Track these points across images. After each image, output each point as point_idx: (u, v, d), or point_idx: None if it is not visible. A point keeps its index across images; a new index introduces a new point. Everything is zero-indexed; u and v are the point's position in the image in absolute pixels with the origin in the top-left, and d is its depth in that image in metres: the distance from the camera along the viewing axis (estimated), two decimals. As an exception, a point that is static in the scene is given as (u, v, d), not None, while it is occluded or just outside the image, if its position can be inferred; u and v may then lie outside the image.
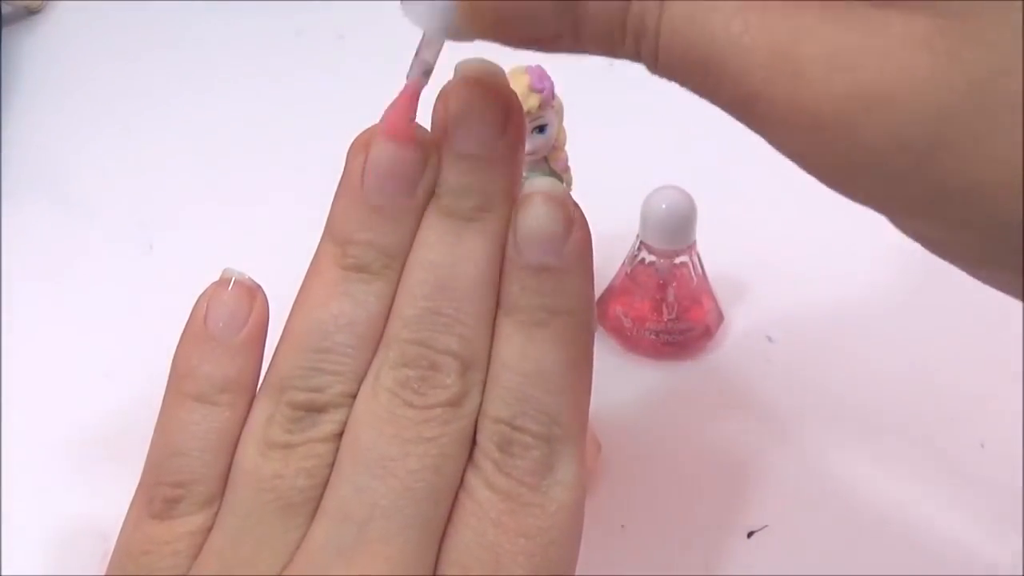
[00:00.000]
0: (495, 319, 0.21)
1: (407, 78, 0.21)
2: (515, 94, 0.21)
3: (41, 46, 0.58)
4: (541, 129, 0.32)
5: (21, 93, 0.55)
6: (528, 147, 0.33)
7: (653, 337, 0.38)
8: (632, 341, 0.39)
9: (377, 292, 0.21)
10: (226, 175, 0.49)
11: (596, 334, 0.39)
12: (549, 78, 0.32)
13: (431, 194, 0.21)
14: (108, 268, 0.45)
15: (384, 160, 0.21)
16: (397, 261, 0.21)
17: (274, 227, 0.45)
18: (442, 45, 0.21)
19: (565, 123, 0.34)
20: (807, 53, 0.16)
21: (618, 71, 0.52)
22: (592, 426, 0.35)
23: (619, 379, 0.38)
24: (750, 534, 0.34)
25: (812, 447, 0.36)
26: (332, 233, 0.22)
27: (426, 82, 0.21)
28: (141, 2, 0.60)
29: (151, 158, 0.51)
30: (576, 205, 0.21)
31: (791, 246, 0.43)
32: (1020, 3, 0.15)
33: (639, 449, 0.36)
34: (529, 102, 0.31)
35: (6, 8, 0.59)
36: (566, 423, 0.21)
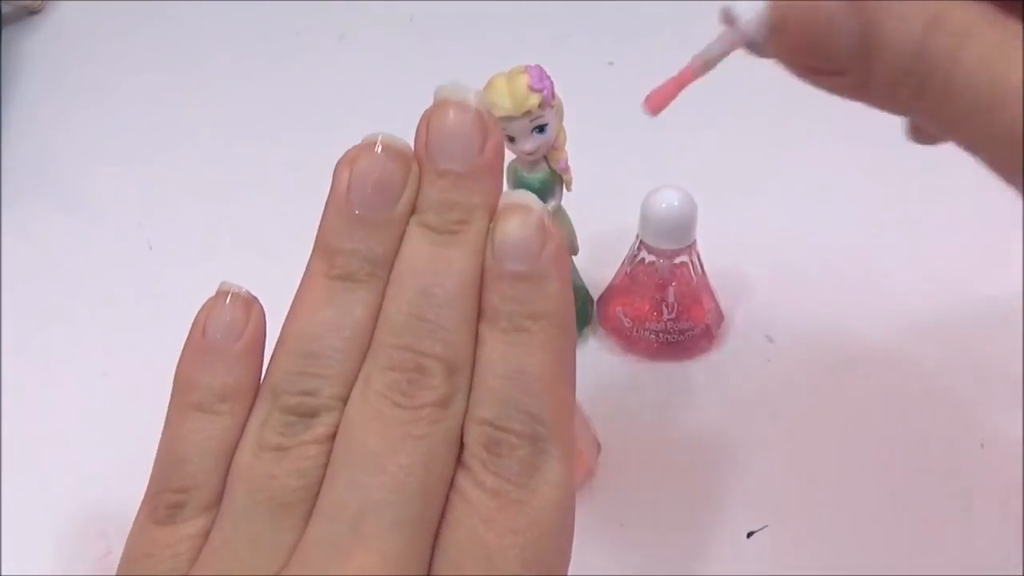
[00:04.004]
0: (478, 326, 0.22)
1: (691, 62, 0.22)
2: (491, 114, 0.23)
3: (41, 46, 0.58)
4: (541, 129, 0.32)
5: (21, 93, 0.55)
6: (528, 147, 0.33)
7: (653, 337, 0.38)
8: (632, 341, 0.39)
9: (363, 299, 0.22)
10: (226, 175, 0.49)
11: (596, 334, 0.40)
12: (549, 78, 0.32)
13: (412, 207, 0.23)
14: (108, 268, 0.45)
15: (368, 173, 0.22)
16: (382, 269, 0.22)
17: (274, 226, 0.45)
18: (731, 52, 0.22)
19: (565, 123, 0.34)
20: None
21: (618, 71, 0.52)
22: (592, 426, 0.35)
23: (619, 379, 0.38)
24: (750, 534, 0.34)
25: (812, 447, 0.36)
26: (320, 245, 0.23)
27: (701, 75, 0.22)
28: (141, 2, 0.60)
29: (151, 158, 0.51)
30: (549, 215, 0.23)
31: (791, 246, 0.43)
32: None
33: (639, 449, 0.36)
34: (529, 102, 0.31)
35: (6, 8, 0.59)
36: (550, 423, 0.21)
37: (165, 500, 0.22)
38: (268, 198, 0.48)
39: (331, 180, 0.22)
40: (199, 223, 0.47)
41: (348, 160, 0.22)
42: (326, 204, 0.23)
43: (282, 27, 0.58)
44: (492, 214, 0.22)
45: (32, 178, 0.50)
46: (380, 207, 0.22)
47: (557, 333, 0.22)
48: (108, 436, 0.38)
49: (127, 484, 0.23)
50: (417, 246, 0.22)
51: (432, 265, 0.22)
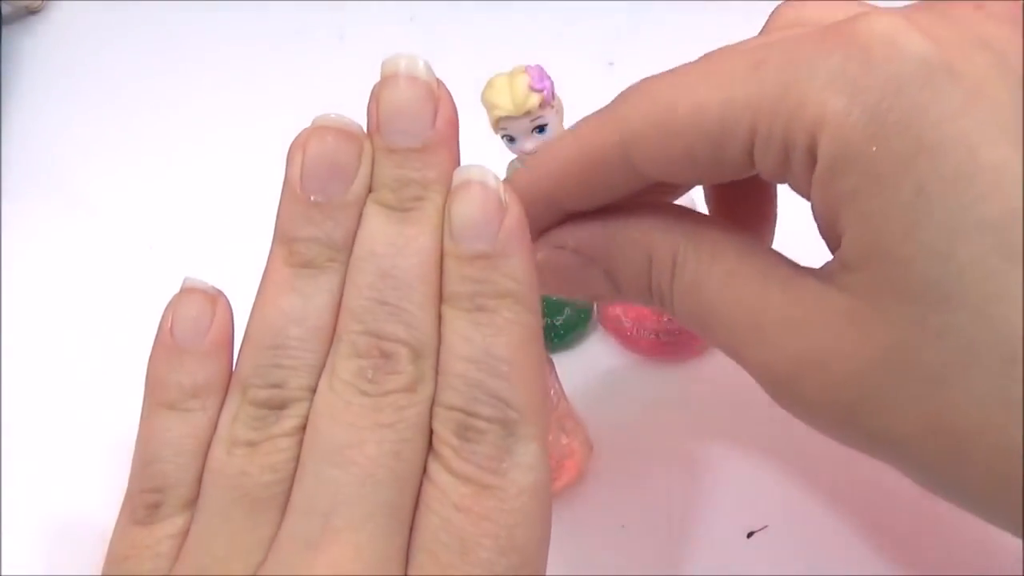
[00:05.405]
0: (440, 308, 0.22)
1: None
2: (443, 85, 0.22)
3: (41, 46, 0.58)
4: (541, 129, 0.32)
5: (21, 93, 0.55)
6: (529, 147, 0.33)
7: (653, 337, 0.38)
8: (632, 341, 0.39)
9: (325, 285, 0.22)
10: (226, 175, 0.49)
11: (596, 334, 0.40)
12: (549, 78, 0.32)
13: (368, 187, 0.22)
14: (108, 268, 0.45)
15: (320, 157, 0.22)
16: (342, 254, 0.22)
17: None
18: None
19: (565, 123, 0.34)
20: (768, 323, 0.21)
21: (618, 71, 0.52)
22: (585, 427, 0.35)
23: (619, 379, 0.38)
24: (750, 534, 0.34)
25: (812, 447, 0.36)
26: (279, 234, 0.23)
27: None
28: (141, 2, 0.60)
29: (151, 158, 0.51)
30: (508, 188, 0.22)
31: (791, 246, 0.43)
32: (914, 289, 0.18)
33: (638, 449, 0.36)
34: (529, 102, 0.31)
35: (6, 8, 0.59)
36: (520, 405, 0.21)
37: (143, 500, 0.22)
38: (270, 198, 0.47)
39: (285, 166, 0.22)
40: (200, 223, 0.47)
41: (299, 145, 0.23)
42: (281, 191, 0.23)
43: (282, 27, 0.58)
44: (449, 188, 0.22)
45: (32, 178, 0.50)
46: (334, 191, 0.22)
47: (522, 310, 0.21)
48: (107, 436, 0.38)
49: (126, 484, 0.23)
50: (374, 226, 0.22)
51: (390, 245, 0.21)
